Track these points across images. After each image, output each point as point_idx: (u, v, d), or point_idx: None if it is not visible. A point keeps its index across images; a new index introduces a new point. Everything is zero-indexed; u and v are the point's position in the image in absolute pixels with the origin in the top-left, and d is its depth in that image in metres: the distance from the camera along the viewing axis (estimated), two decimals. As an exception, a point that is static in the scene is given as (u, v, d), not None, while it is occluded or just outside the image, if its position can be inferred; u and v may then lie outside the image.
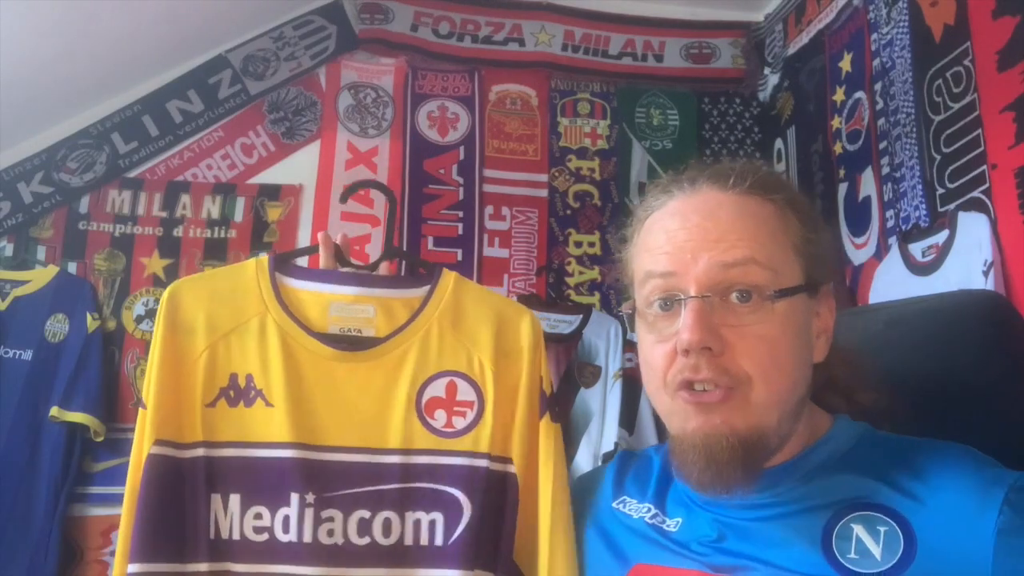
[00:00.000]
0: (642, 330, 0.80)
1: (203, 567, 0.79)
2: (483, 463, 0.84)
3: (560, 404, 2.13)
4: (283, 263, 0.89)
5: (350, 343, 0.85)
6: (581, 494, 0.89)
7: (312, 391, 0.83)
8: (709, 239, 0.75)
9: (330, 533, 0.81)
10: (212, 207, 2.45)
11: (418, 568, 0.81)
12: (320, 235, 0.92)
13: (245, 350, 0.84)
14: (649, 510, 0.83)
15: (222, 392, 0.83)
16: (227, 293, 0.86)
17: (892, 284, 1.85)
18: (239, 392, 0.83)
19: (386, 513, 0.82)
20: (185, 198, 2.45)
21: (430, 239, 2.49)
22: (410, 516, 0.82)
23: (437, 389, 0.85)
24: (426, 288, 0.88)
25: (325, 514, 0.81)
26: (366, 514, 0.82)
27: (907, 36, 1.91)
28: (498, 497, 0.84)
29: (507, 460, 0.85)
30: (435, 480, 0.83)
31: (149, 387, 0.82)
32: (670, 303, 0.76)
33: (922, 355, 0.91)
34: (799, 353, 0.77)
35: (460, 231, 2.52)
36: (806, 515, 0.74)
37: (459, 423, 0.85)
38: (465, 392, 0.85)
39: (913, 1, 1.89)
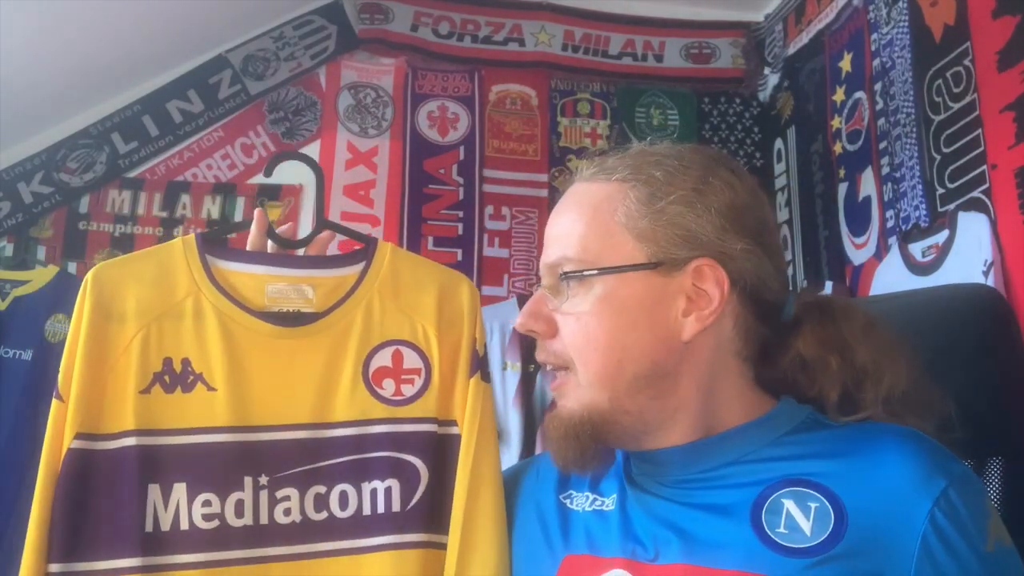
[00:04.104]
0: None
1: (134, 562, 0.75)
2: (432, 427, 0.84)
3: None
4: (212, 243, 0.86)
5: (290, 319, 0.84)
6: (526, 476, 0.90)
7: (255, 371, 0.82)
8: (549, 236, 0.82)
9: (287, 512, 0.80)
10: (212, 207, 2.45)
11: (379, 536, 0.81)
12: (256, 211, 0.90)
13: (180, 333, 0.81)
14: (587, 498, 0.83)
15: (156, 378, 0.80)
16: (155, 275, 0.82)
17: (892, 284, 1.85)
18: (175, 377, 0.80)
19: (342, 486, 0.81)
20: (185, 198, 2.45)
21: (430, 239, 2.49)
22: (366, 486, 0.82)
23: (383, 359, 0.85)
24: (362, 263, 0.88)
25: (280, 494, 0.80)
26: (322, 489, 0.81)
27: (907, 36, 1.91)
28: (450, 459, 0.84)
29: (452, 422, 0.85)
30: (389, 448, 0.83)
31: (71, 378, 0.77)
32: None
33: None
34: (628, 332, 0.76)
35: (460, 231, 2.52)
36: (736, 490, 0.73)
37: (408, 391, 0.85)
38: (411, 360, 0.85)
39: (913, 1, 1.89)
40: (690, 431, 0.77)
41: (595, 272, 0.77)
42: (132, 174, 2.45)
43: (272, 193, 2.45)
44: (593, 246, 0.78)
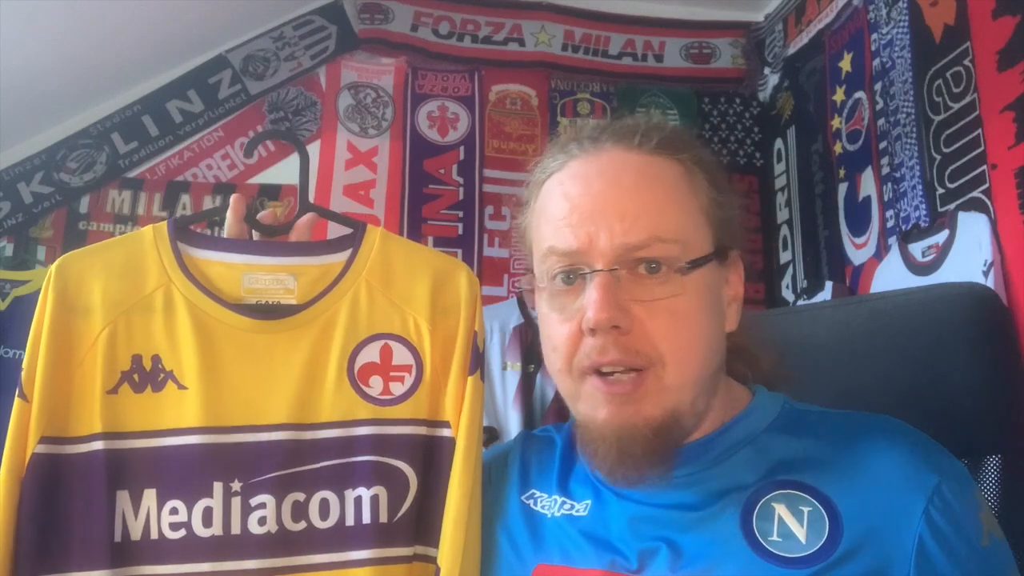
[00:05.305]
0: (543, 306, 0.74)
1: (105, 574, 0.70)
2: (421, 430, 0.77)
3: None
4: (184, 230, 0.78)
5: (269, 312, 0.77)
6: (485, 478, 0.81)
7: (230, 368, 0.75)
8: (613, 211, 0.69)
9: (261, 522, 0.73)
10: (212, 207, 2.45)
11: (363, 549, 0.74)
12: (233, 197, 0.83)
13: (149, 328, 0.75)
14: (556, 501, 0.77)
15: (124, 376, 0.74)
16: (123, 265, 0.76)
17: (892, 284, 1.85)
18: (144, 376, 0.74)
19: (323, 493, 0.74)
20: (185, 198, 2.45)
21: (430, 239, 2.49)
22: (350, 494, 0.75)
23: (371, 354, 0.77)
24: (349, 250, 0.80)
25: (255, 501, 0.73)
26: (300, 496, 0.74)
27: (907, 36, 1.91)
28: (439, 464, 0.77)
29: (443, 423, 0.78)
30: (376, 452, 0.76)
31: (34, 376, 0.72)
32: (573, 277, 0.71)
33: (905, 348, 0.90)
34: (712, 326, 0.72)
35: (460, 231, 2.52)
36: (724, 495, 0.69)
37: (397, 389, 0.77)
38: (401, 355, 0.78)
39: (913, 1, 1.89)
40: (705, 428, 0.73)
41: (706, 259, 0.71)
42: (132, 174, 2.45)
43: (272, 193, 2.45)
44: (684, 230, 0.71)
